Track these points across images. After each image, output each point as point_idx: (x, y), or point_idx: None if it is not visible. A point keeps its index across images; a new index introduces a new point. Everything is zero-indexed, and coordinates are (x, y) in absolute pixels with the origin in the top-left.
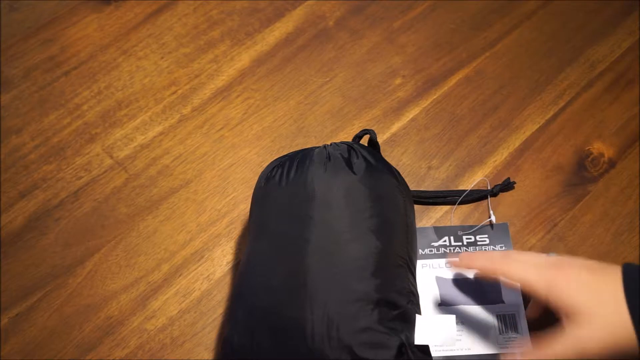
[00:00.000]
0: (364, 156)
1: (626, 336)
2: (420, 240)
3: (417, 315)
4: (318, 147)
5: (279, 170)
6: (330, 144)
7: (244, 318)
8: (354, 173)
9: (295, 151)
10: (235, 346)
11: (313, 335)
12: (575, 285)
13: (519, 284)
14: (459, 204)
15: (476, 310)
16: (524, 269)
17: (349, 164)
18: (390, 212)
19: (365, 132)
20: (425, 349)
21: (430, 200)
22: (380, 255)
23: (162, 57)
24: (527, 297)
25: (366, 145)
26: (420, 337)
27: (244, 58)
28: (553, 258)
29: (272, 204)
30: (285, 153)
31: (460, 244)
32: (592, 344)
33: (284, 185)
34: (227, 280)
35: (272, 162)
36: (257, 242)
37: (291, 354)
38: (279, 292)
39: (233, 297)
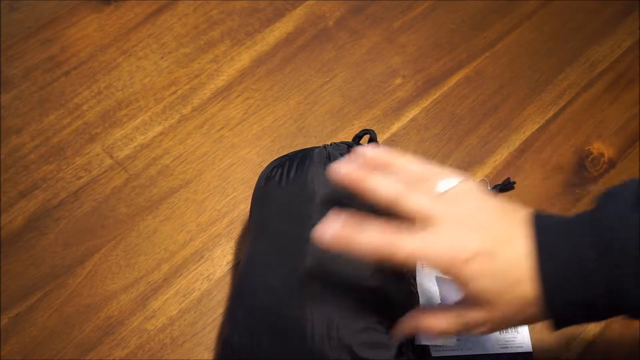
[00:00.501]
0: None
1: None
2: None
3: None
4: (318, 147)
5: (279, 170)
6: (331, 144)
7: (244, 318)
8: None
9: (295, 151)
10: (235, 346)
11: (313, 335)
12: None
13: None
14: None
15: None
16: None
17: None
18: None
19: (365, 132)
20: (425, 349)
21: None
22: None
23: (162, 57)
24: None
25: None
26: (420, 337)
27: (244, 58)
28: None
29: (272, 204)
30: (285, 153)
31: None
32: (484, 328)
33: (284, 185)
34: (227, 280)
35: (272, 162)
36: (257, 242)
37: (291, 354)
38: (279, 292)
39: (233, 297)
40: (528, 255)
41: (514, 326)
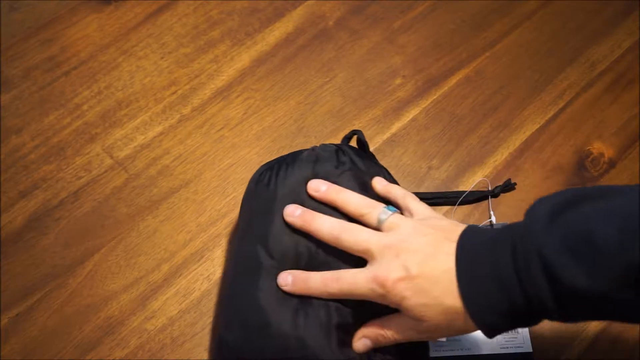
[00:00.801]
0: (351, 157)
1: (458, 316)
2: None
3: None
4: (307, 149)
5: (268, 174)
6: (319, 146)
7: (236, 317)
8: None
9: (284, 155)
10: (230, 345)
11: (306, 328)
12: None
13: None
14: (459, 204)
15: None
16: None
17: (336, 166)
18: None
19: (354, 132)
20: (424, 344)
21: (431, 201)
22: None
23: (162, 57)
24: None
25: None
26: None
27: (244, 58)
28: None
29: (261, 206)
30: (286, 153)
31: None
32: (434, 336)
33: (273, 188)
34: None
35: (262, 166)
36: (244, 242)
37: (286, 351)
38: (268, 292)
39: (224, 298)
40: (448, 270)
41: (452, 335)
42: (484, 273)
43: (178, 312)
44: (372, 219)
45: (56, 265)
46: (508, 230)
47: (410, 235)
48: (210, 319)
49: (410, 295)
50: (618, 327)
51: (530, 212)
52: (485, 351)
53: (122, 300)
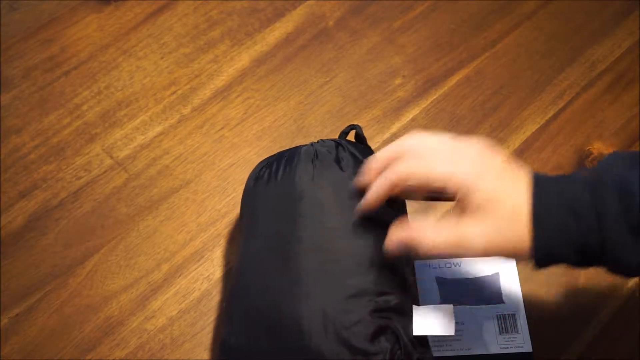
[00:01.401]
0: (352, 152)
1: (516, 238)
2: None
3: (414, 306)
4: (305, 145)
5: (267, 170)
6: (318, 141)
7: (241, 318)
8: (342, 170)
9: (282, 151)
10: (233, 347)
11: (310, 331)
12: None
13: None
14: None
15: (476, 310)
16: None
17: (337, 160)
18: (381, 207)
19: (351, 127)
20: (423, 342)
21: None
22: (374, 250)
23: (162, 57)
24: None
25: (353, 141)
26: (418, 328)
27: (244, 58)
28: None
29: (262, 204)
30: None
31: None
32: (478, 239)
33: (273, 185)
34: (227, 280)
35: (260, 163)
36: (249, 243)
37: (289, 352)
38: (274, 291)
39: (229, 299)
40: (523, 189)
41: (503, 255)
42: (560, 204)
43: (178, 312)
44: None
45: (56, 265)
46: (577, 172)
47: (481, 155)
48: (211, 319)
49: (492, 182)
50: (618, 327)
51: (606, 159)
52: (485, 351)
53: (122, 300)
